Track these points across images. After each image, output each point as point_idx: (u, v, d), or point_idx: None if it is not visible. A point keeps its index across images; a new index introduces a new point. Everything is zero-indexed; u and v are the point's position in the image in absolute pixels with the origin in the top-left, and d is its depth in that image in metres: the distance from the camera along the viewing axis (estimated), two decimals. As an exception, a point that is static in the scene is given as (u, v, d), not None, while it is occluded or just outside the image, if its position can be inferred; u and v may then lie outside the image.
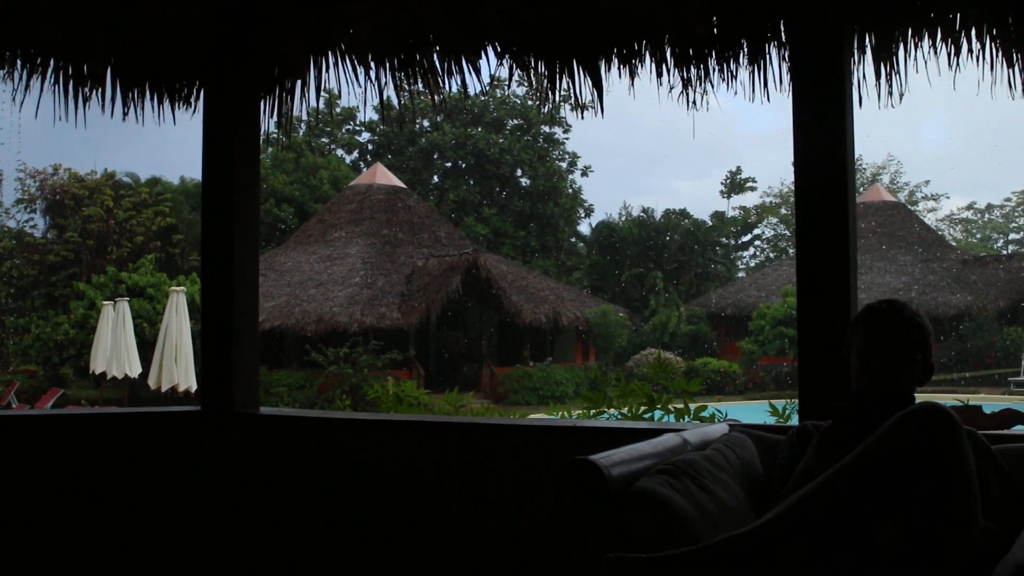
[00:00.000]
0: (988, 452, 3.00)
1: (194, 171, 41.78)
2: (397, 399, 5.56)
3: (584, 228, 51.45)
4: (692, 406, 4.77)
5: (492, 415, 5.89)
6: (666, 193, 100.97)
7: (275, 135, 5.13)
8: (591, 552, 2.49)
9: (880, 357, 3.02)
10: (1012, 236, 74.41)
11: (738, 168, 56.36)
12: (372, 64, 4.91)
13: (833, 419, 3.09)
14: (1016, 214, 75.97)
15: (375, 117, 46.17)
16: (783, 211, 54.25)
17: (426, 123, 47.26)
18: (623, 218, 48.13)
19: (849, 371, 3.13)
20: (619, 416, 4.88)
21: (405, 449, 4.53)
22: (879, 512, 2.46)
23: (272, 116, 5.02)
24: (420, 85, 4.91)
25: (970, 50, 4.09)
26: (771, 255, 55.78)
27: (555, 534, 3.99)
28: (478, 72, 4.84)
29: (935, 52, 4.13)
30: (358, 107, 5.11)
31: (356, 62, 4.92)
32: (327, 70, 4.95)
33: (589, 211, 51.22)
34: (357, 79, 4.94)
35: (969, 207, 73.98)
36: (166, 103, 5.10)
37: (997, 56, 4.06)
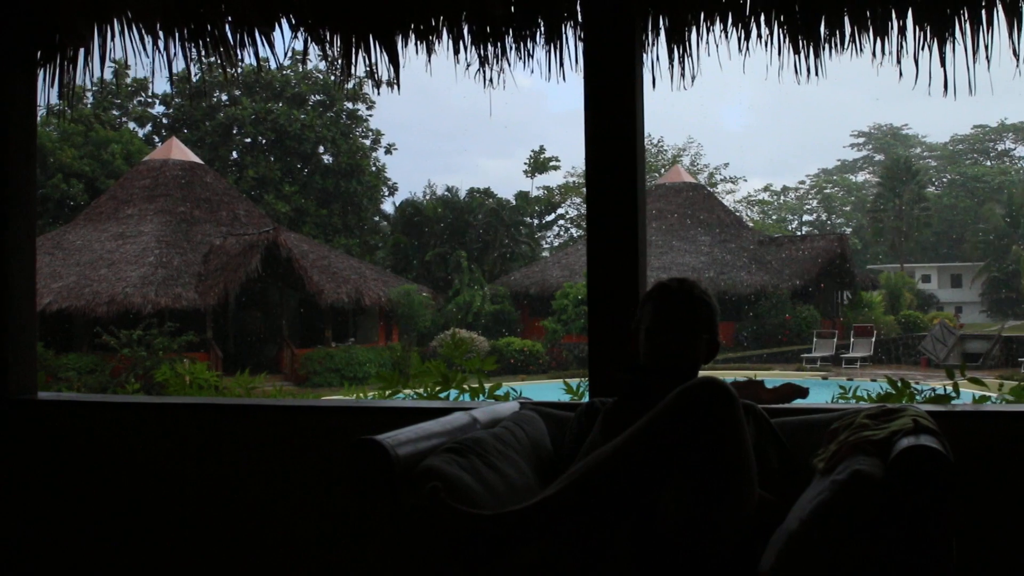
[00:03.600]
0: (767, 425, 3.10)
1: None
2: (187, 381, 5.42)
3: (388, 207, 51.26)
4: (488, 385, 4.78)
5: (285, 396, 5.79)
6: (471, 172, 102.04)
7: (58, 106, 4.90)
8: (379, 532, 2.47)
9: (667, 334, 3.07)
10: (806, 218, 77.89)
11: (541, 147, 57.13)
12: (161, 34, 4.73)
13: (618, 395, 3.13)
14: (809, 196, 79.52)
15: (169, 89, 44.93)
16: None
17: (224, 97, 46.15)
18: (427, 197, 48.12)
19: (638, 347, 3.17)
20: (415, 396, 4.86)
21: (191, 432, 4.40)
22: (657, 484, 2.50)
23: (53, 86, 4.80)
24: (213, 57, 4.76)
25: (759, 35, 4.20)
26: (575, 234, 56.69)
27: (344, 514, 3.94)
28: (272, 45, 4.73)
29: (726, 36, 4.23)
30: (147, 78, 4.92)
31: (144, 31, 4.74)
32: (113, 39, 4.75)
33: (393, 189, 50.97)
34: (145, 49, 4.76)
35: (766, 189, 77.14)
36: (-65, 69, 4.81)
37: (784, 42, 4.18)
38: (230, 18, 4.68)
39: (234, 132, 46.09)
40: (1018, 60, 3.96)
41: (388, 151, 50.17)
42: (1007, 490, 3.45)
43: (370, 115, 48.92)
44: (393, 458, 2.66)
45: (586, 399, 3.68)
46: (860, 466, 2.45)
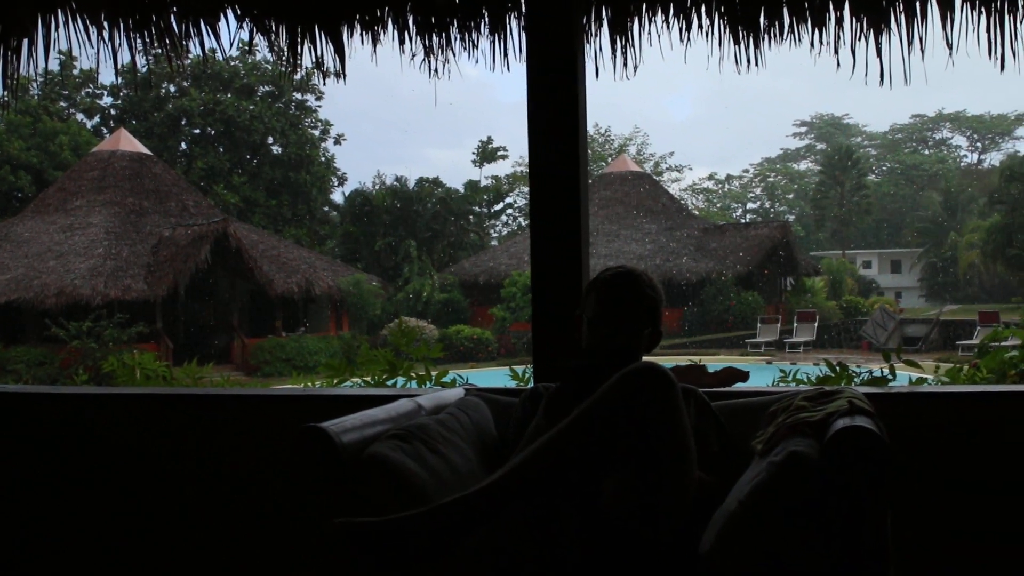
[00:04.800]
0: (708, 409, 3.15)
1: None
2: (134, 372, 5.40)
3: (337, 197, 50.89)
4: (434, 372, 4.80)
5: (233, 386, 5.79)
6: (420, 162, 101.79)
7: (2, 97, 4.88)
8: (327, 518, 2.49)
9: (609, 326, 3.10)
10: (749, 205, 78.44)
11: (489, 138, 57.02)
12: (106, 24, 4.72)
13: (562, 381, 3.17)
14: (753, 185, 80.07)
15: (116, 80, 44.50)
16: (534, 180, 54.89)
17: (173, 88, 45.65)
18: (377, 187, 47.86)
19: (581, 335, 3.21)
20: (362, 384, 4.87)
21: (140, 422, 4.39)
22: (599, 468, 2.54)
23: (-3, 77, 4.78)
24: (159, 48, 4.75)
25: (700, 26, 4.26)
26: (523, 223, 56.65)
27: (293, 502, 3.96)
28: (218, 36, 4.74)
29: (668, 27, 4.28)
30: (94, 69, 4.89)
31: (88, 21, 4.72)
32: (57, 29, 4.73)
33: (342, 180, 50.66)
34: (90, 40, 4.74)
35: (710, 177, 77.62)
36: None
37: (725, 32, 4.25)
38: (175, 9, 4.67)
39: (183, 123, 45.61)
40: (951, 51, 4.05)
41: (337, 141, 49.83)
42: (941, 468, 3.54)
43: (319, 106, 48.67)
44: (338, 445, 2.68)
45: (531, 385, 3.72)
46: (796, 447, 2.50)
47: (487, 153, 55.76)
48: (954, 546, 3.53)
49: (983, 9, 4.02)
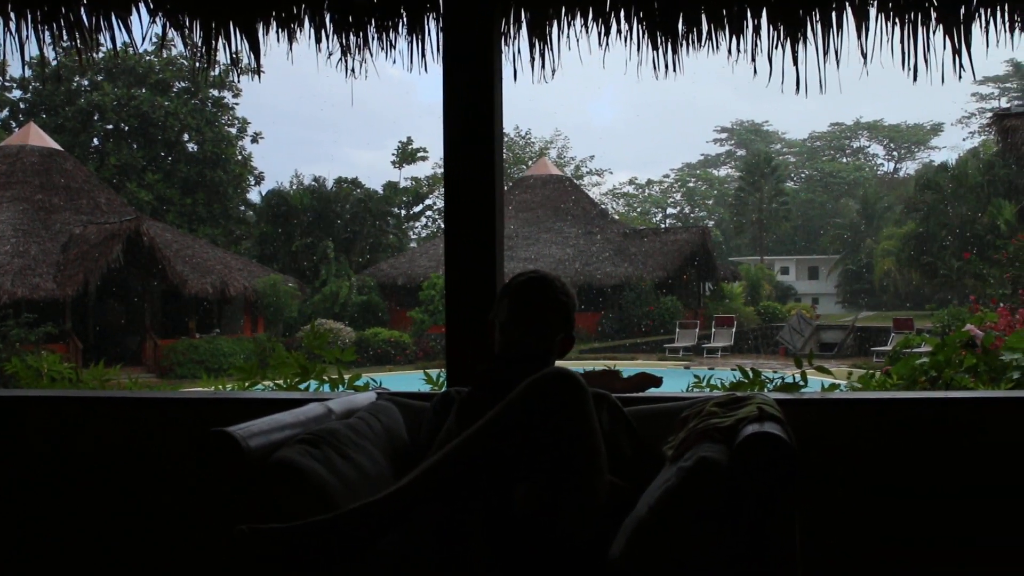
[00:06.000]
0: (620, 414, 3.15)
1: None
2: (38, 373, 5.27)
3: (254, 196, 50.43)
4: (347, 375, 4.75)
5: (141, 388, 5.68)
6: (340, 162, 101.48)
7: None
8: (234, 524, 2.44)
9: (521, 330, 3.09)
10: (669, 211, 79.24)
11: (409, 138, 56.90)
12: (12, 15, 4.61)
13: (474, 385, 3.15)
14: (673, 190, 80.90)
15: (24, 73, 43.58)
16: (454, 183, 54.85)
17: (85, 82, 44.83)
18: (294, 187, 47.47)
19: (494, 340, 3.20)
20: (274, 387, 4.80)
21: (46, 426, 4.28)
22: (510, 472, 2.54)
23: None
24: (69, 41, 4.66)
25: (619, 31, 4.27)
26: (443, 225, 56.54)
27: (201, 508, 3.89)
28: (130, 30, 4.65)
29: (587, 31, 4.29)
30: (3, 61, 4.77)
31: (-7, 12, 4.60)
32: (-41, 19, 4.61)
33: (259, 179, 50.15)
34: (-6, 31, 4.63)
35: (631, 182, 78.31)
36: None
37: (643, 38, 4.27)
38: (85, 1, 4.58)
39: (95, 118, 44.76)
40: (865, 61, 4.11)
41: (255, 140, 49.33)
42: (849, 472, 3.57)
43: (236, 103, 48.10)
44: (244, 450, 2.63)
45: (444, 389, 3.69)
46: (706, 453, 2.51)
47: (407, 154, 55.63)
48: (861, 549, 3.57)
49: (897, 20, 4.09)
